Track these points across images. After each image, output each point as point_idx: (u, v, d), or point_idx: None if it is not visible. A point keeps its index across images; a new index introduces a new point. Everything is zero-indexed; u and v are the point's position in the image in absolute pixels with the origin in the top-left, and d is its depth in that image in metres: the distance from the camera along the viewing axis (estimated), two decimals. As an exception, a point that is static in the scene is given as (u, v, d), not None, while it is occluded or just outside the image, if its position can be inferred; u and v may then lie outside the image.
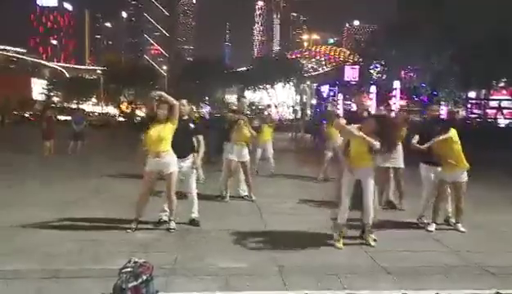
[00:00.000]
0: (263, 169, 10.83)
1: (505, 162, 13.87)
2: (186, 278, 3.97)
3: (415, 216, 6.17)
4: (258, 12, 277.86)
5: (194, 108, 8.92)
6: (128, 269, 3.25)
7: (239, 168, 7.64)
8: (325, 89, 60.02)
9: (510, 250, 5.08)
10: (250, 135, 7.43)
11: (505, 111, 41.96)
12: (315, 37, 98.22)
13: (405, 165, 7.12)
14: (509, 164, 13.26)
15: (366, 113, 5.78)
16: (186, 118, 6.01)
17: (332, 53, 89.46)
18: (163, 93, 5.49)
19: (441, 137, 5.65)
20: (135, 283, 3.19)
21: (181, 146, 5.61)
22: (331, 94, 56.18)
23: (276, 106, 66.58)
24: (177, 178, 5.55)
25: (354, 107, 8.04)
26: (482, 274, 4.24)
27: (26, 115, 55.61)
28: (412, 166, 6.61)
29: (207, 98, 63.32)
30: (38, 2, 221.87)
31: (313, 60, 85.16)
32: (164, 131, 5.30)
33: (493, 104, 42.26)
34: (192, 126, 6.05)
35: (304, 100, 65.77)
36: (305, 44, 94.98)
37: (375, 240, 5.09)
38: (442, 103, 34.99)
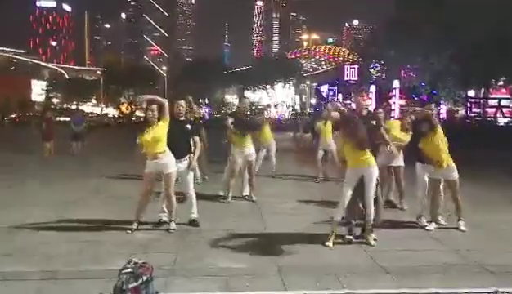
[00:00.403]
0: (264, 169, 10.82)
1: (505, 162, 13.85)
2: (186, 278, 3.98)
3: (415, 216, 6.17)
4: (257, 12, 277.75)
5: (195, 107, 8.86)
6: (128, 270, 3.24)
7: (244, 168, 7.63)
8: (324, 89, 60.09)
9: (510, 249, 5.08)
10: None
11: (504, 110, 41.92)
12: (314, 36, 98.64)
13: (404, 164, 7.11)
14: (509, 163, 13.23)
15: (365, 112, 5.77)
16: (182, 119, 6.02)
17: (331, 53, 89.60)
18: (149, 96, 5.57)
19: (424, 138, 5.72)
20: (135, 284, 3.19)
21: (178, 147, 5.63)
22: (331, 93, 56.16)
23: (275, 106, 66.62)
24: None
25: (354, 106, 8.01)
26: (481, 273, 4.24)
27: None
28: (412, 166, 6.60)
29: (207, 100, 63.34)
30: (37, 4, 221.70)
31: (313, 59, 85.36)
32: (158, 132, 5.32)
33: (493, 102, 42.21)
34: (189, 127, 6.05)
35: (304, 100, 65.82)
36: (304, 44, 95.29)
37: (375, 239, 5.08)
38: (442, 102, 34.99)
